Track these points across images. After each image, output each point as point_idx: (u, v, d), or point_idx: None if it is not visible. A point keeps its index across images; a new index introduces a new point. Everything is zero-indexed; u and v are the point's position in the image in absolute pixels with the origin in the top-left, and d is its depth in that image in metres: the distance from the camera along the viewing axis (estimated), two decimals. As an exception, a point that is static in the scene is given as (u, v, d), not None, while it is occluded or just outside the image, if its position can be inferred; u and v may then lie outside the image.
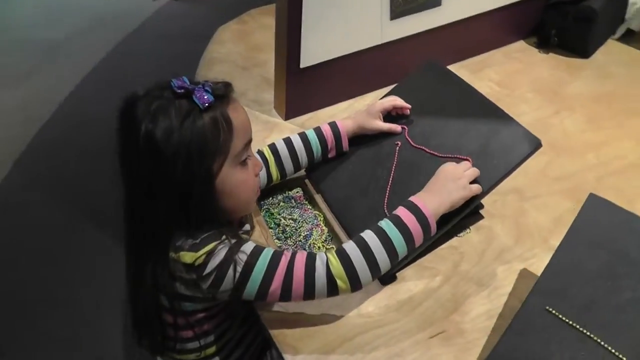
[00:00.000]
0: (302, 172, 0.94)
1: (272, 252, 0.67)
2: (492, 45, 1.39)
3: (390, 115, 0.93)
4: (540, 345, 0.60)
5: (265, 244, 0.82)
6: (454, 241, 0.84)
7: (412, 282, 0.78)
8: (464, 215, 0.77)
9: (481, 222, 0.88)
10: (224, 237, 0.66)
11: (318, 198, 0.91)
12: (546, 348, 0.60)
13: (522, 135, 0.79)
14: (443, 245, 0.83)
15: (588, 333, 0.59)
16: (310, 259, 0.67)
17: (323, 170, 0.93)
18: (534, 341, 0.60)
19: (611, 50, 1.38)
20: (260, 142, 0.99)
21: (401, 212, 0.71)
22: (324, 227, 0.88)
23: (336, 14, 1.04)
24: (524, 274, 0.79)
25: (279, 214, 0.90)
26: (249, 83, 1.26)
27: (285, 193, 0.95)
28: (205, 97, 0.63)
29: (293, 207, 0.92)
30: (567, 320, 0.61)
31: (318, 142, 0.89)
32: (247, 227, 0.82)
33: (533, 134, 0.78)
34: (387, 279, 0.77)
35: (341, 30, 1.07)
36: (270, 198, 0.93)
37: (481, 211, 0.90)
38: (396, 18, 1.13)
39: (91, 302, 1.58)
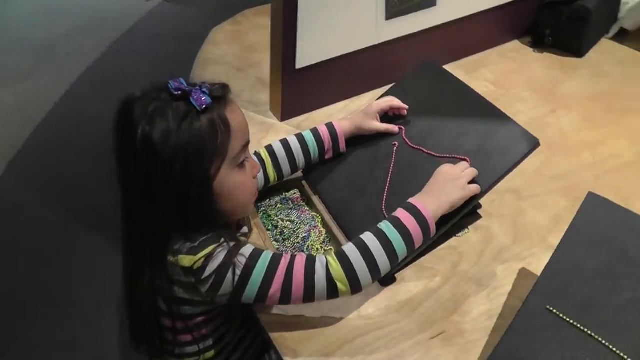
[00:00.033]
0: (299, 173, 0.94)
1: (271, 254, 0.66)
2: (486, 45, 1.39)
3: (387, 116, 0.93)
4: (541, 345, 0.60)
5: (264, 246, 0.82)
6: (452, 241, 0.84)
7: (411, 282, 0.77)
8: (462, 215, 0.77)
9: (479, 221, 0.88)
10: (222, 240, 0.66)
11: (315, 199, 0.91)
12: (547, 347, 0.59)
13: (520, 134, 0.79)
14: (442, 246, 0.83)
15: (589, 332, 0.59)
16: (310, 262, 0.66)
17: (320, 172, 0.92)
18: (535, 341, 0.60)
19: (605, 50, 1.39)
20: (256, 144, 0.98)
21: (401, 213, 0.71)
22: (322, 229, 0.87)
23: (332, 14, 1.04)
24: (523, 273, 0.79)
25: (277, 216, 0.89)
26: (244, 84, 1.25)
27: (282, 195, 0.94)
28: (203, 98, 0.62)
29: (290, 208, 0.91)
30: (567, 320, 0.61)
31: (315, 143, 0.89)
32: (244, 229, 0.81)
33: (531, 133, 0.78)
34: (387, 280, 0.77)
35: (337, 30, 1.07)
36: (268, 200, 0.93)
37: (479, 211, 0.90)
38: (392, 18, 1.13)
39: (89, 302, 1.58)
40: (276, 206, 0.92)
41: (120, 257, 0.72)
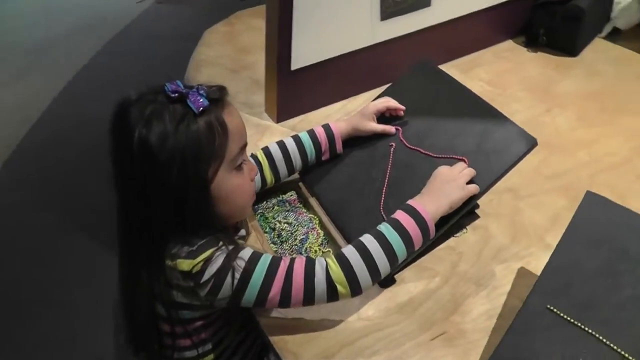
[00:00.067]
0: (296, 175, 0.93)
1: (270, 257, 0.66)
2: (481, 44, 1.39)
3: (383, 117, 0.92)
4: (542, 344, 0.60)
5: (261, 249, 0.81)
6: (451, 241, 0.84)
7: (411, 283, 0.77)
8: (460, 216, 0.77)
9: (477, 221, 0.88)
10: (221, 243, 0.65)
11: (312, 201, 0.90)
12: (548, 347, 0.59)
13: (518, 134, 0.79)
14: (441, 246, 0.83)
15: (590, 330, 0.59)
16: (310, 264, 0.66)
17: (317, 173, 0.92)
18: (536, 340, 0.60)
19: (598, 49, 1.40)
20: (252, 146, 0.97)
21: (400, 215, 0.70)
22: (319, 231, 0.87)
23: (327, 15, 1.04)
24: (522, 272, 0.79)
25: (274, 218, 0.89)
26: (239, 85, 1.25)
27: (279, 197, 0.94)
28: (200, 101, 0.62)
29: (288, 210, 0.91)
30: (568, 319, 0.61)
31: (312, 145, 0.88)
32: (242, 232, 0.81)
33: (528, 132, 0.78)
34: (386, 281, 0.77)
35: (332, 31, 1.07)
36: (264, 202, 0.92)
37: (477, 211, 0.89)
38: (387, 19, 1.13)
39: (86, 303, 1.58)
40: (273, 208, 0.91)
41: (114, 258, 0.71)
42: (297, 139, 0.88)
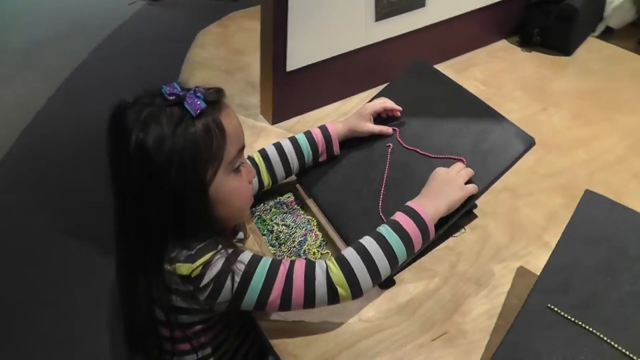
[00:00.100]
0: (293, 177, 0.93)
1: (270, 260, 0.65)
2: (475, 44, 1.40)
3: (380, 117, 0.92)
4: (543, 343, 0.60)
5: (260, 251, 0.81)
6: (450, 242, 0.84)
7: (411, 284, 0.77)
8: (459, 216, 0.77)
9: (475, 221, 0.88)
10: (220, 246, 0.65)
11: (310, 203, 0.90)
12: (549, 345, 0.59)
13: (515, 133, 0.79)
14: (439, 246, 0.83)
15: (590, 329, 0.59)
16: (310, 267, 0.65)
17: (314, 175, 0.91)
18: (537, 339, 0.60)
19: (592, 48, 1.40)
20: (248, 148, 0.96)
21: (400, 217, 0.70)
22: (317, 232, 0.86)
23: (322, 16, 1.03)
24: (521, 271, 0.79)
25: (272, 220, 0.88)
26: (234, 87, 1.24)
27: (276, 199, 0.93)
28: (197, 103, 0.61)
29: (285, 212, 0.90)
30: (569, 317, 0.61)
31: (309, 146, 0.88)
32: (240, 235, 0.80)
33: (525, 132, 0.78)
34: (386, 283, 0.76)
35: (327, 32, 1.07)
36: (262, 204, 0.92)
37: (475, 210, 0.89)
38: (381, 19, 1.13)
39: (83, 303, 1.56)
40: (271, 210, 0.91)
41: (109, 259, 0.70)
42: (294, 141, 0.88)
